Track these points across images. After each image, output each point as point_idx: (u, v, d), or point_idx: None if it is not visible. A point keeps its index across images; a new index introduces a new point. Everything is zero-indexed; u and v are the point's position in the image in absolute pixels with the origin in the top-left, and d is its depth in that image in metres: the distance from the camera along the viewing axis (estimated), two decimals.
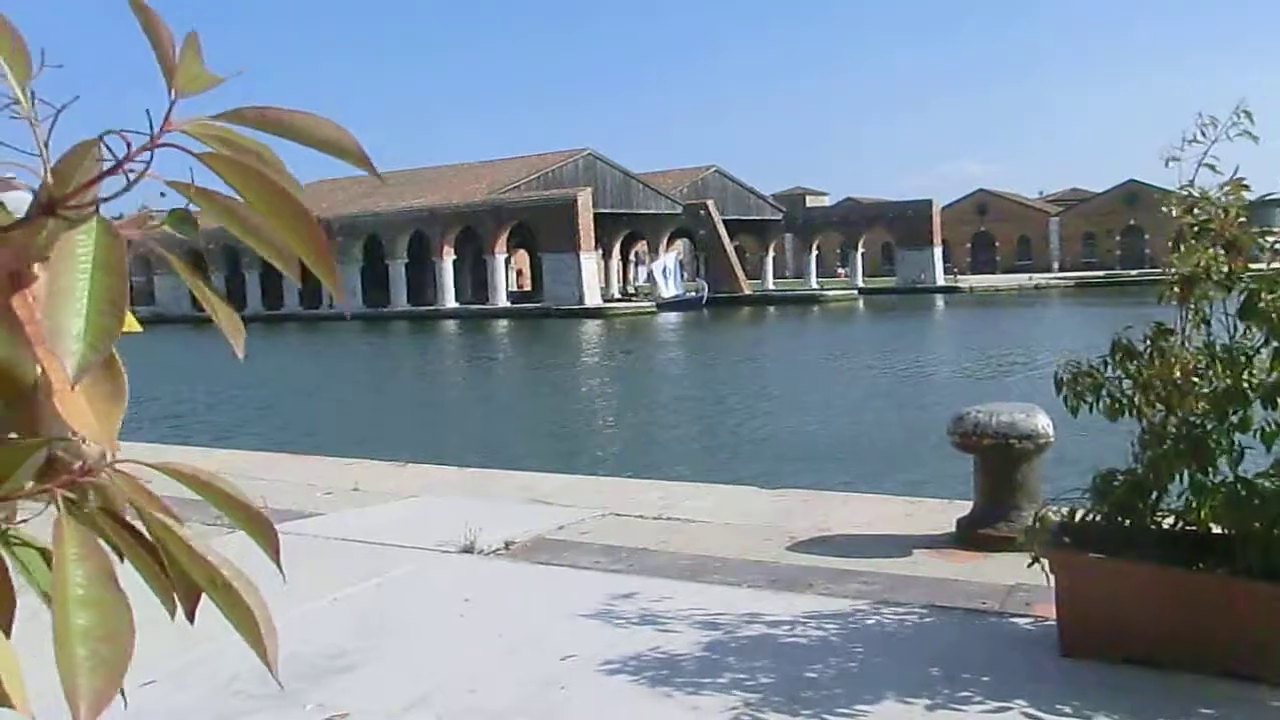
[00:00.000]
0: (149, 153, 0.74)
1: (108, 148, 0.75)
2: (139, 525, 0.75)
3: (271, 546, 0.82)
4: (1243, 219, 3.98)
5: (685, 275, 69.52)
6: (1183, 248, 4.03)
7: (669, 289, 68.05)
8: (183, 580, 0.75)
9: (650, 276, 73.88)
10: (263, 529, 0.81)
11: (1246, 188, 4.01)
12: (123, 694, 0.67)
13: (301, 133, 0.79)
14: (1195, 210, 4.04)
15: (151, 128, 0.74)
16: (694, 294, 67.03)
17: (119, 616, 0.66)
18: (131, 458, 0.76)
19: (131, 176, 0.75)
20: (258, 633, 0.76)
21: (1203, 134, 3.94)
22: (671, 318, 58.50)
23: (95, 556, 0.68)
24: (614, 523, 6.86)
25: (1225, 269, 3.98)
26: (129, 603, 0.67)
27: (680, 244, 78.25)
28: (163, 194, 0.81)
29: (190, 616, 0.79)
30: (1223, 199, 4.00)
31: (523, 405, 24.28)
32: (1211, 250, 3.98)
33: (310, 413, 23.11)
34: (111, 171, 0.75)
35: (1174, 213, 4.07)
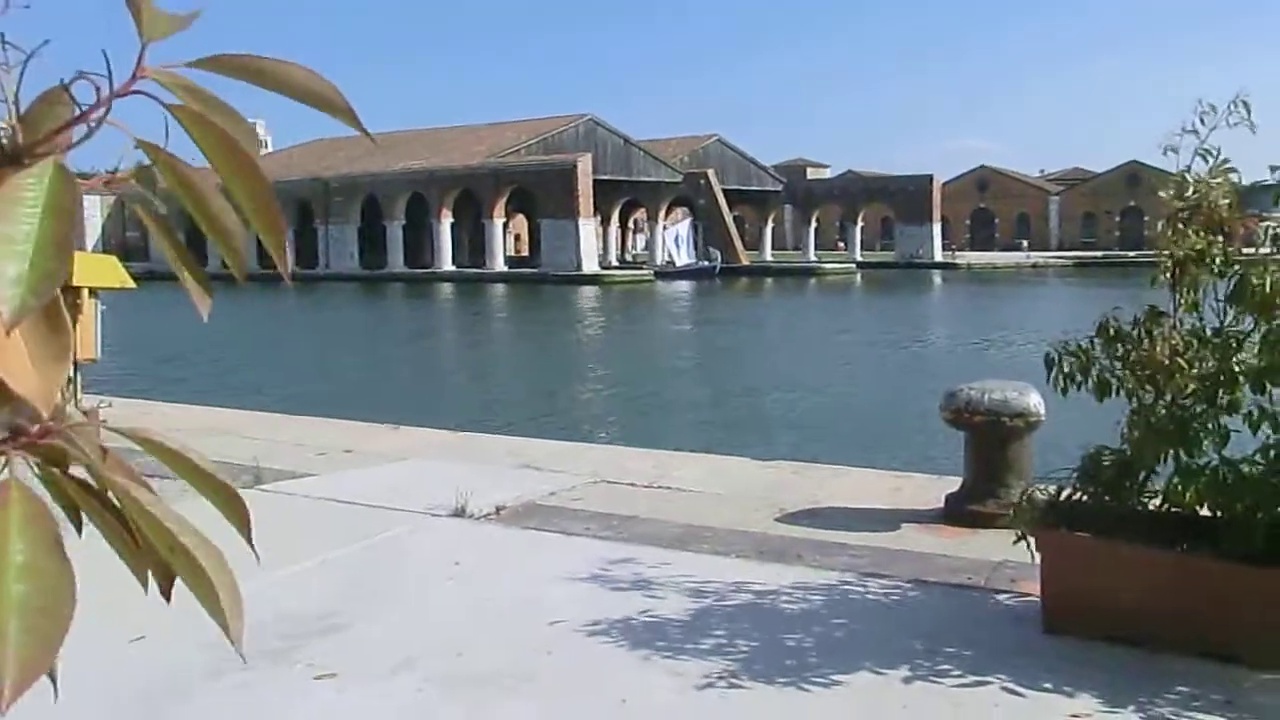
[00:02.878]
0: (118, 99, 0.71)
1: (71, 96, 0.72)
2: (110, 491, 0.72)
3: (242, 521, 0.79)
4: (1228, 201, 4.00)
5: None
6: (1172, 231, 4.05)
7: (681, 257, 67.78)
8: (152, 551, 0.72)
9: (647, 246, 73.72)
10: (232, 502, 0.78)
11: (1234, 171, 4.03)
12: (53, 680, 0.63)
13: (285, 84, 0.76)
14: (1186, 195, 4.06)
15: (111, 77, 0.71)
16: (707, 263, 66.75)
17: (60, 588, 0.62)
18: (115, 417, 0.75)
19: (92, 125, 0.72)
20: (218, 603, 0.72)
21: (1201, 122, 3.96)
22: (680, 285, 58.37)
23: (40, 523, 0.63)
24: (605, 490, 6.89)
25: (1219, 254, 4.01)
26: (73, 574, 0.63)
27: (680, 212, 77.94)
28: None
29: (165, 593, 0.75)
30: (1211, 183, 4.02)
31: (517, 370, 24.30)
32: (1202, 234, 4.00)
33: (303, 373, 23.10)
34: (80, 119, 0.71)
35: (1167, 196, 4.09)
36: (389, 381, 21.59)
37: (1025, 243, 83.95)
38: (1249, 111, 3.91)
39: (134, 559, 0.73)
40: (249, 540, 0.79)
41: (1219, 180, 4.01)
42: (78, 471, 0.72)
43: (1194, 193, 4.02)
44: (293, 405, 13.87)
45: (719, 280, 62.49)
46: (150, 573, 0.74)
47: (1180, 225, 4.05)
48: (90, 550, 0.78)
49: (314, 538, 5.67)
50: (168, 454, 0.76)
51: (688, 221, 69.26)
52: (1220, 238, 3.99)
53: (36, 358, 0.69)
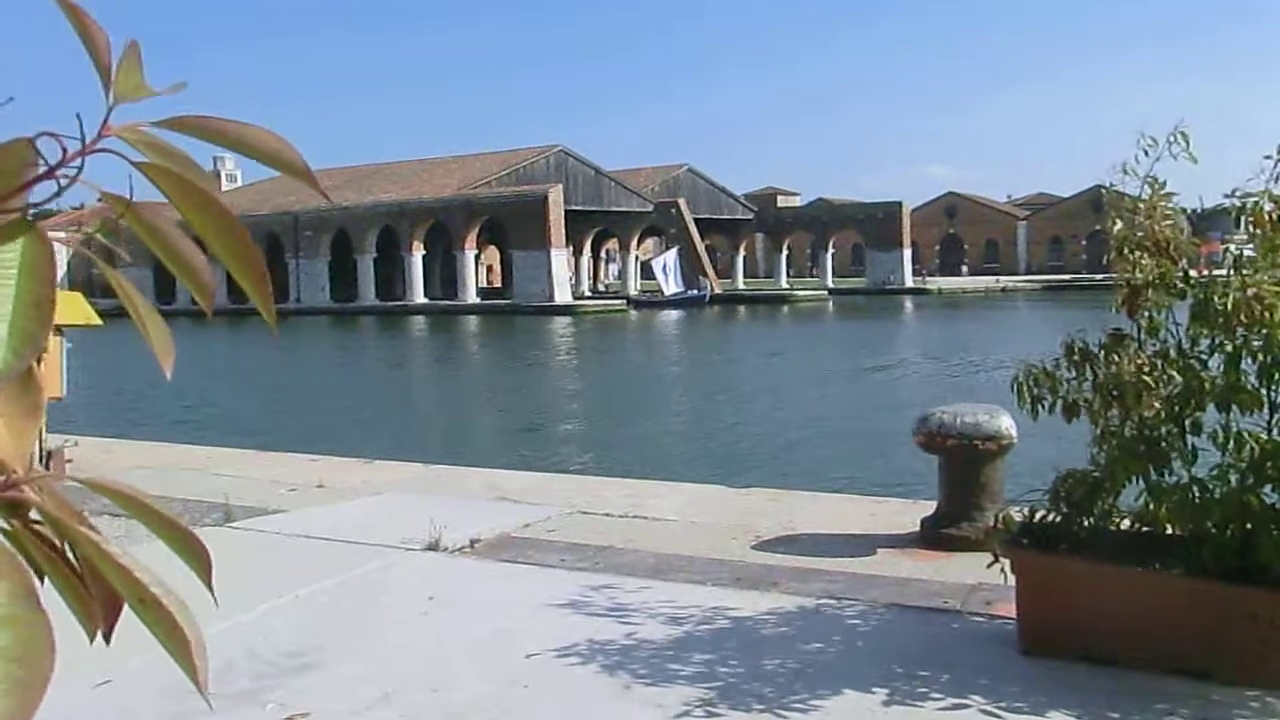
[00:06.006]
0: (83, 159, 0.72)
1: (37, 152, 0.72)
2: (71, 542, 0.72)
3: (202, 566, 0.78)
4: (1170, 223, 4.10)
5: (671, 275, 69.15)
6: (1120, 258, 4.14)
7: (670, 286, 67.75)
8: (104, 598, 0.72)
9: (619, 275, 73.79)
10: (193, 548, 0.78)
11: (1170, 195, 4.14)
12: None
13: (243, 144, 0.78)
14: (1128, 220, 4.16)
15: (83, 133, 0.72)
16: (696, 292, 66.83)
17: (38, 636, 0.62)
18: (81, 457, 0.75)
19: (63, 182, 0.73)
20: (187, 650, 0.72)
21: (1145, 153, 4.07)
22: (666, 315, 58.44)
23: (15, 573, 0.64)
24: (580, 520, 6.87)
25: (1177, 276, 4.09)
26: (49, 623, 0.64)
27: (652, 241, 78.25)
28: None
29: (106, 637, 0.75)
30: (1154, 210, 4.12)
31: (490, 402, 24.22)
32: (1153, 260, 4.08)
33: (274, 408, 22.92)
34: (45, 176, 0.72)
35: (1112, 225, 4.18)
36: (361, 416, 21.46)
37: (998, 279, 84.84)
38: (1188, 143, 4.03)
39: (85, 613, 0.74)
40: (209, 586, 0.78)
41: (1160, 207, 4.11)
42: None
43: (1143, 219, 4.11)
44: (264, 441, 13.76)
45: (713, 308, 62.73)
46: (95, 617, 0.75)
47: (1128, 252, 4.14)
48: (53, 593, 0.77)
49: (286, 575, 5.61)
50: (127, 501, 0.76)
51: (675, 250, 69.32)
52: (1170, 262, 4.07)
53: (8, 416, 0.70)
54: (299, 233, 71.48)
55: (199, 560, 0.79)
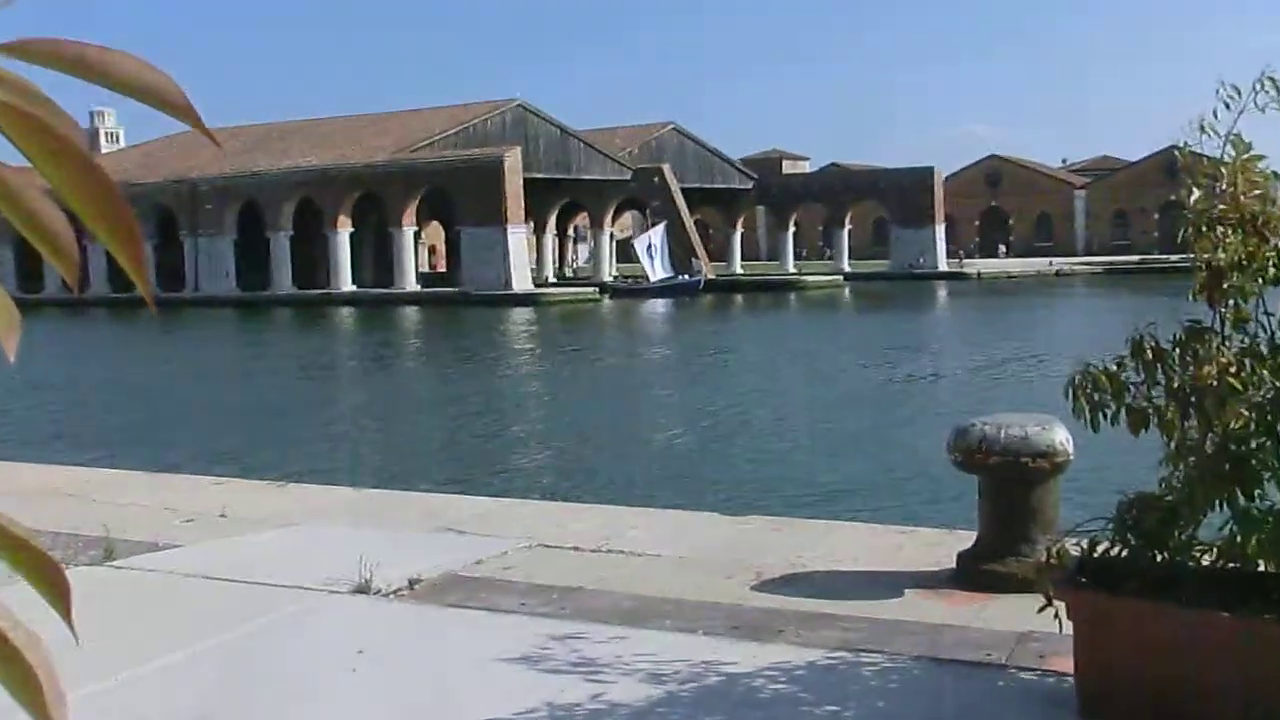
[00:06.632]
0: None
1: None
2: None
3: (61, 599, 0.76)
4: (1257, 191, 4.10)
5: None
6: (1202, 236, 4.13)
7: (657, 270, 67.49)
8: None
9: (590, 257, 73.71)
10: (49, 577, 0.75)
11: (1259, 158, 4.13)
12: None
13: (108, 75, 0.75)
14: (1208, 189, 4.15)
15: None
16: (688, 277, 66.63)
17: None
18: None
19: None
20: (41, 698, 0.71)
21: (1227, 106, 4.06)
22: (653, 307, 58.41)
23: None
24: (543, 556, 6.87)
25: (1269, 256, 4.09)
26: None
27: (629, 215, 78.27)
28: None
29: None
30: (1236, 174, 4.11)
31: (433, 413, 24.17)
32: (1237, 236, 4.08)
33: (168, 420, 22.80)
34: None
35: (1188, 195, 4.18)
36: (276, 429, 21.38)
37: (1051, 261, 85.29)
38: (1279, 90, 4.02)
39: None
40: (68, 620, 0.76)
41: (1246, 172, 4.11)
42: None
43: (1225, 186, 4.11)
44: (154, 460, 13.69)
45: (706, 297, 62.70)
46: None
47: (1208, 228, 4.13)
48: None
49: (181, 624, 5.58)
50: None
51: (661, 227, 69.09)
52: (1259, 240, 4.07)
53: None
54: (198, 205, 71.18)
55: (54, 589, 0.76)
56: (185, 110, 0.77)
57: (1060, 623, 4.26)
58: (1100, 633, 4.20)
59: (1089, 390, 4.29)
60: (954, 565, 6.06)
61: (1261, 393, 4.05)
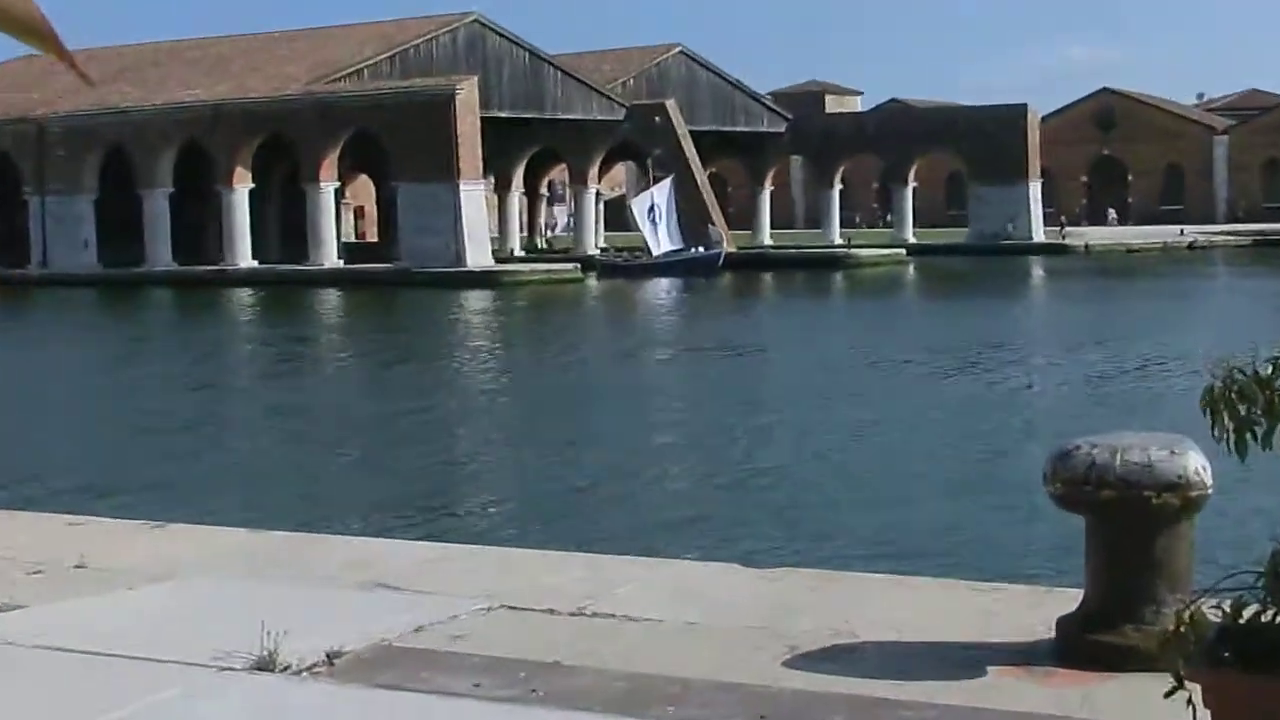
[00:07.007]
0: None
1: None
2: None
3: None
4: None
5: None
6: None
7: (663, 241, 66.67)
8: None
9: (570, 223, 73.62)
10: None
11: None
12: None
13: None
14: None
15: None
16: (702, 250, 65.64)
17: None
18: None
19: None
20: None
21: None
22: (656, 288, 58.38)
23: None
24: (506, 620, 6.87)
25: None
26: None
27: (621, 169, 78.22)
28: None
29: None
30: None
31: (361, 431, 24.18)
32: None
33: (8, 439, 22.78)
34: None
35: None
36: (148, 452, 21.36)
37: (1183, 230, 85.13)
38: None
39: None
40: None
41: None
42: None
43: None
44: None
45: (726, 276, 62.53)
46: None
47: None
48: None
49: (28, 708, 5.58)
50: None
51: (666, 183, 68.21)
52: None
53: None
54: (46, 152, 71.08)
55: None
56: (46, 38, 0.76)
57: (1194, 710, 4.27)
58: None
59: (1234, 401, 4.30)
60: (1053, 634, 6.07)
61: None
